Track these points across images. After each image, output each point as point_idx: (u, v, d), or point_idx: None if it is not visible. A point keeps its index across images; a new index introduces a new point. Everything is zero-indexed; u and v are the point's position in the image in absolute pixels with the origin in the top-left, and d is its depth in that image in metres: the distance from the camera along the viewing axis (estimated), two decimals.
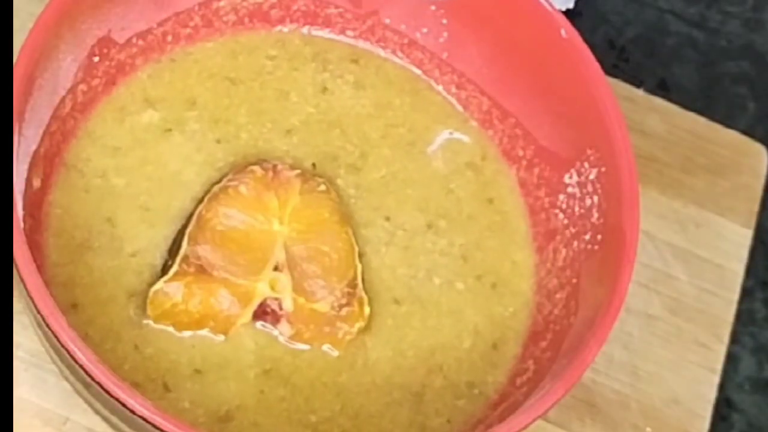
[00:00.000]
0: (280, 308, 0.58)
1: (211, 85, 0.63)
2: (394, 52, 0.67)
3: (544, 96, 0.63)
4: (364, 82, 0.66)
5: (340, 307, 0.58)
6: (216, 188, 0.59)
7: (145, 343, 0.56)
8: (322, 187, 0.61)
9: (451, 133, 0.66)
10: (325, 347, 0.58)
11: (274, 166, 0.60)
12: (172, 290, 0.56)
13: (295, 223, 0.59)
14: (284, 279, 0.58)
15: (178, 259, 0.57)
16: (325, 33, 0.67)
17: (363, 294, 0.59)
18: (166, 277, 0.57)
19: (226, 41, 0.65)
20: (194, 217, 0.58)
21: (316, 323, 0.58)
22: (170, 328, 0.57)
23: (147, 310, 0.56)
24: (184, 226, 0.58)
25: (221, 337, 0.57)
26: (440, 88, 0.66)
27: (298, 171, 0.61)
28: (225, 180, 0.59)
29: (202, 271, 0.57)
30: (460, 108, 0.66)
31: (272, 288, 0.58)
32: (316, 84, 0.65)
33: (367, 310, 0.59)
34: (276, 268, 0.58)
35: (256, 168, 0.60)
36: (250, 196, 0.59)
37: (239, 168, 0.60)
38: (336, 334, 0.58)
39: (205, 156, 0.61)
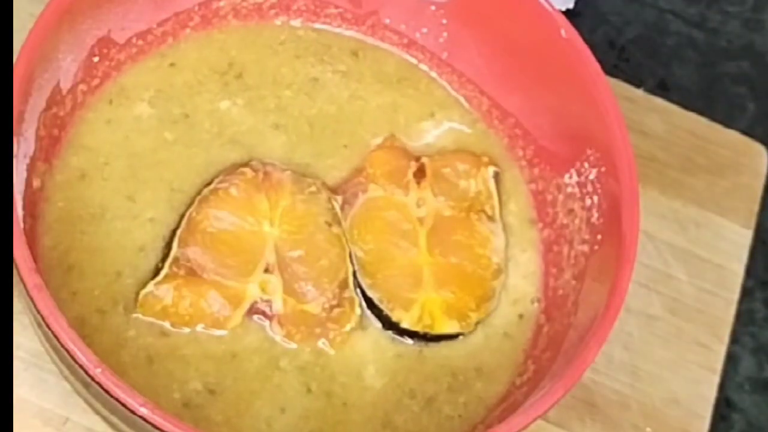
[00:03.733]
0: (271, 310, 0.57)
1: (209, 85, 0.63)
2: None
3: (544, 96, 0.63)
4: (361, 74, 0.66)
5: (331, 308, 0.58)
6: (206, 190, 0.59)
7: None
8: (313, 188, 0.60)
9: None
10: (321, 342, 0.58)
11: (265, 167, 0.60)
12: (161, 293, 0.56)
13: (285, 225, 0.59)
14: (275, 281, 0.58)
15: (168, 261, 0.57)
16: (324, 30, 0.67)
17: (354, 295, 0.59)
18: (155, 280, 0.57)
19: (225, 39, 0.65)
20: (184, 220, 0.58)
21: (306, 324, 0.57)
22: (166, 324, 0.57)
23: (137, 312, 0.56)
24: (175, 229, 0.58)
25: (221, 332, 0.57)
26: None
27: (289, 172, 0.61)
28: (215, 182, 0.59)
29: (192, 273, 0.57)
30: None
31: (263, 290, 0.57)
32: (313, 77, 0.65)
33: (357, 311, 0.58)
34: (266, 270, 0.58)
35: (246, 170, 0.60)
36: (241, 197, 0.59)
37: (230, 169, 0.60)
38: (327, 335, 0.58)
39: (200, 156, 0.61)
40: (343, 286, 0.58)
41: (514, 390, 0.58)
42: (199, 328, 0.57)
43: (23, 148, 0.56)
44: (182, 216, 0.58)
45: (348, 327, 0.58)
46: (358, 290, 0.59)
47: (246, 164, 0.60)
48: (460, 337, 0.59)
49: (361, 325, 0.59)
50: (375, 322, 0.59)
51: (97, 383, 0.49)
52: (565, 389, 0.53)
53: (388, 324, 0.59)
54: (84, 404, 0.54)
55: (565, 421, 0.62)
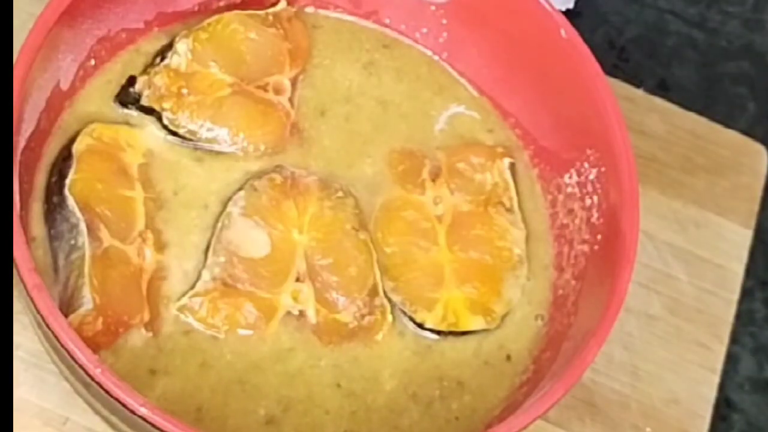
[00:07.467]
0: (305, 318, 0.57)
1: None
2: None
3: (544, 96, 0.63)
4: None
5: (362, 316, 0.58)
6: (236, 197, 0.58)
7: None
8: (340, 194, 0.60)
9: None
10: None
11: (292, 173, 0.60)
12: (196, 305, 0.56)
13: (314, 232, 0.58)
14: (306, 290, 0.57)
15: (203, 272, 0.56)
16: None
17: (385, 302, 0.58)
18: (191, 292, 0.56)
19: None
20: (217, 229, 0.58)
21: (339, 334, 0.57)
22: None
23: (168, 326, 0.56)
24: (210, 240, 0.57)
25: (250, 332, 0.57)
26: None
27: (315, 177, 0.60)
28: (244, 189, 0.59)
29: (227, 284, 0.56)
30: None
31: (294, 299, 0.57)
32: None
33: (389, 318, 0.58)
34: (297, 279, 0.57)
35: (275, 176, 0.59)
36: (270, 205, 0.58)
37: (256, 175, 0.59)
38: (359, 343, 0.57)
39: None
40: (373, 293, 0.58)
41: (514, 390, 0.58)
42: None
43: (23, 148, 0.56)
44: (214, 225, 0.58)
45: (380, 335, 0.58)
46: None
47: (274, 170, 0.60)
48: (462, 338, 0.59)
49: (396, 330, 0.58)
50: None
51: (97, 383, 0.49)
52: (565, 389, 0.53)
53: (413, 323, 0.58)
54: (84, 404, 0.54)
55: (565, 421, 0.62)
